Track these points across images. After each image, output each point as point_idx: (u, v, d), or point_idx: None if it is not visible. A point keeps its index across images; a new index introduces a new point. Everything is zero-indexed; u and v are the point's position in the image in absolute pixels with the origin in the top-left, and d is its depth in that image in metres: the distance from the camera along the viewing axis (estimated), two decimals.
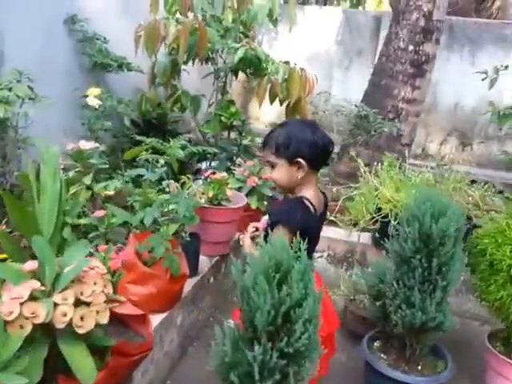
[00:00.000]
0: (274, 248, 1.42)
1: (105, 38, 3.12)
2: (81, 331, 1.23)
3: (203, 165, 3.54)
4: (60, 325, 1.21)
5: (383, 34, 5.24)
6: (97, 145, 2.37)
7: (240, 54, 2.94)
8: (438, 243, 1.84)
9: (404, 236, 1.92)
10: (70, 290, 1.27)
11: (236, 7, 3.17)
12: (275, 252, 1.41)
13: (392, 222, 2.54)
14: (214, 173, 2.45)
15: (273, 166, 1.71)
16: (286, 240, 1.44)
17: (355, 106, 3.86)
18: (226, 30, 3.23)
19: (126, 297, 1.65)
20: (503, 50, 4.95)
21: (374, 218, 2.57)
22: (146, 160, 2.56)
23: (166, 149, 2.53)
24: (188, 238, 2.13)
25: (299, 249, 1.42)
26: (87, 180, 2.21)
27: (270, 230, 1.62)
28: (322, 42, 5.63)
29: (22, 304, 1.18)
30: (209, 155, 3.31)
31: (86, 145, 2.32)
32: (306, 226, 1.66)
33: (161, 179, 2.30)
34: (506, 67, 4.10)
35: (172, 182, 2.22)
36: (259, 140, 3.29)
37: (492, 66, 4.02)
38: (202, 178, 3.31)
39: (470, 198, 2.43)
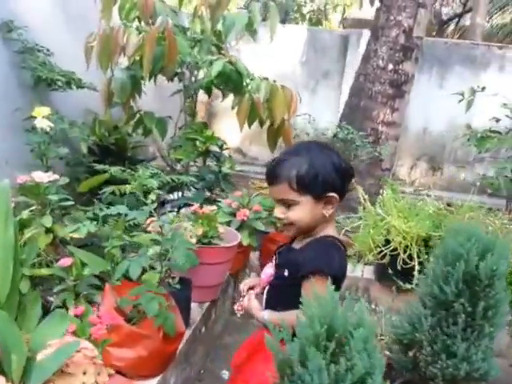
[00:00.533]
0: (323, 309, 1.07)
1: (48, 50, 2.68)
2: None
3: (173, 195, 3.16)
4: None
5: (350, 53, 5.12)
6: (56, 176, 1.95)
7: (217, 67, 2.58)
8: (485, 284, 1.56)
9: (442, 276, 1.63)
10: None
11: (210, 15, 2.82)
12: (325, 313, 1.07)
13: (402, 255, 2.27)
14: (201, 206, 2.08)
15: (289, 205, 1.36)
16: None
17: (339, 128, 3.60)
18: (196, 41, 2.87)
19: (109, 362, 1.28)
20: (472, 72, 4.92)
21: (381, 251, 2.28)
22: (113, 193, 2.18)
23: (133, 178, 2.15)
24: (178, 286, 1.74)
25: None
26: (47, 221, 1.78)
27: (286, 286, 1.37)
28: (287, 62, 5.43)
29: None
30: (180, 185, 2.93)
31: (43, 177, 1.90)
32: (345, 272, 1.34)
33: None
34: (483, 89, 4.02)
35: (154, 219, 1.83)
36: (240, 168, 2.97)
37: (460, 88, 3.92)
38: (174, 211, 2.92)
39: (490, 228, 2.19)
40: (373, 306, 2.55)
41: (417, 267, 2.24)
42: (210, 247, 1.94)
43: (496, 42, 7.12)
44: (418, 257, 2.25)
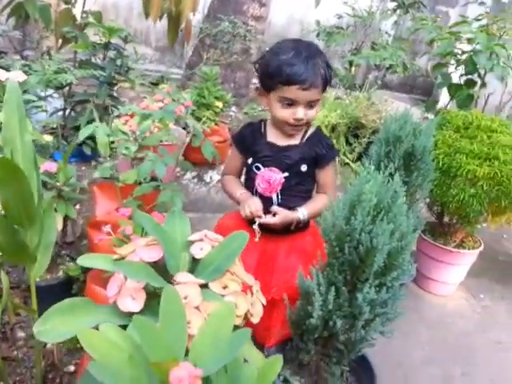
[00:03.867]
0: (374, 185, 1.33)
1: None
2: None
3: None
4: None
5: None
6: None
7: None
8: (417, 159, 2.00)
9: (385, 155, 2.01)
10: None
11: None
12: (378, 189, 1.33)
13: None
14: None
15: (312, 105, 1.46)
16: None
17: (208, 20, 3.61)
18: None
19: None
20: None
21: None
22: None
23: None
24: None
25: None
26: None
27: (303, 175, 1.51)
28: None
29: None
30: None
31: None
32: None
33: None
34: None
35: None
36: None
37: None
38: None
39: (384, 113, 2.65)
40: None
41: None
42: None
43: None
44: None
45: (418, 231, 2.30)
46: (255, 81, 4.54)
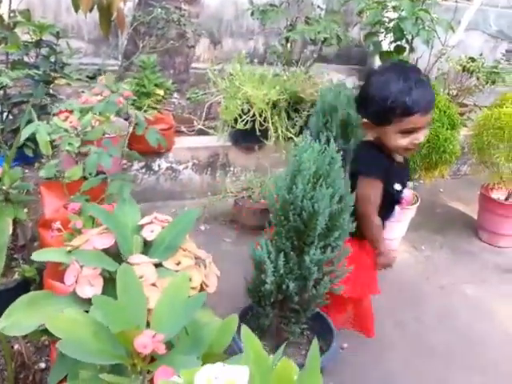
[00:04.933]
0: (312, 153, 1.42)
1: None
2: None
3: None
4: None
5: None
6: None
7: None
8: (353, 126, 2.11)
9: (323, 126, 2.11)
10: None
11: None
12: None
13: (258, 118, 2.68)
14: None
15: (428, 124, 1.50)
16: None
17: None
18: None
19: None
20: None
21: (244, 119, 2.65)
22: None
23: None
24: None
25: None
26: None
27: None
28: None
29: None
30: None
31: None
32: None
33: None
34: None
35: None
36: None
37: None
38: None
39: (321, 86, 2.75)
40: (231, 168, 2.99)
41: (271, 127, 2.71)
42: None
43: None
44: (272, 118, 2.71)
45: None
46: (195, 65, 4.55)
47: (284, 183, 1.40)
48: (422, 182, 3.04)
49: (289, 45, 4.61)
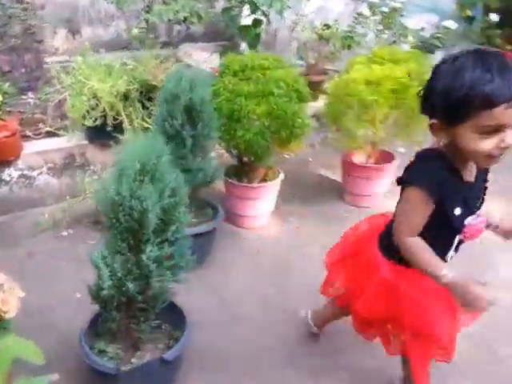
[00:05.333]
0: (136, 150, 1.39)
1: None
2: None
3: None
4: None
5: None
6: None
7: None
8: (198, 110, 2.10)
9: (168, 115, 2.08)
10: None
11: None
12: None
13: (109, 113, 2.58)
14: None
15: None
16: None
17: None
18: None
19: None
20: None
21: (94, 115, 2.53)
22: None
23: None
24: None
25: None
26: None
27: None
28: None
29: None
30: None
31: None
32: None
33: None
34: None
35: None
36: None
37: None
38: None
39: (168, 71, 2.70)
40: (92, 167, 2.86)
41: (126, 120, 2.63)
42: None
43: None
44: (125, 111, 2.62)
45: (222, 178, 2.47)
46: (53, 58, 4.25)
47: (111, 185, 1.36)
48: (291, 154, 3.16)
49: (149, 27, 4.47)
